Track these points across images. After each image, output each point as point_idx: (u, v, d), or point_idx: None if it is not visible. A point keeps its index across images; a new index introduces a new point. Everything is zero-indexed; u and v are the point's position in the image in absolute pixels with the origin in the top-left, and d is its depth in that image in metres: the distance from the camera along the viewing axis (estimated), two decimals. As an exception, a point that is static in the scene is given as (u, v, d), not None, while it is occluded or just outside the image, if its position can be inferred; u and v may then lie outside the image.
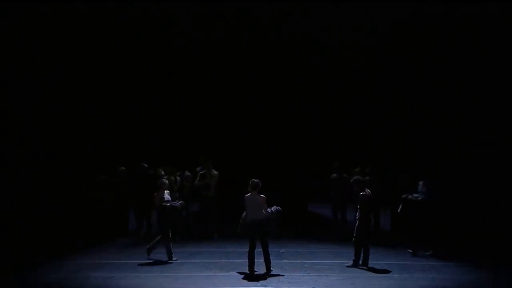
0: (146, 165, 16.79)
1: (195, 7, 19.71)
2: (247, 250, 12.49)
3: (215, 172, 16.37)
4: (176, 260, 13.31)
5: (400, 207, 14.19)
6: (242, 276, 12.22)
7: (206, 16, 20.07)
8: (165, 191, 13.53)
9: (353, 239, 13.02)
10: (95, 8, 19.02)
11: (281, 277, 12.12)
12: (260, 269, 12.49)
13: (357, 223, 12.97)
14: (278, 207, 12.65)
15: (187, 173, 16.94)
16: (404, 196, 13.85)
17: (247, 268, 12.44)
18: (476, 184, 17.25)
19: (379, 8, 19.09)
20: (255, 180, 12.55)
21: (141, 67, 20.78)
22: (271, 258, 12.55)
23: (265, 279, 11.94)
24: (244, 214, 12.64)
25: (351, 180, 13.31)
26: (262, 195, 12.52)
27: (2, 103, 17.60)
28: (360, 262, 12.97)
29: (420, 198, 13.72)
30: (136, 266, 13.06)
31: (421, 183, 13.91)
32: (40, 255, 13.92)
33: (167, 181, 13.73)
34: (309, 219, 20.15)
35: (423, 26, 19.22)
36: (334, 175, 16.81)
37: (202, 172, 16.42)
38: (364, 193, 12.84)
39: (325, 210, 21.82)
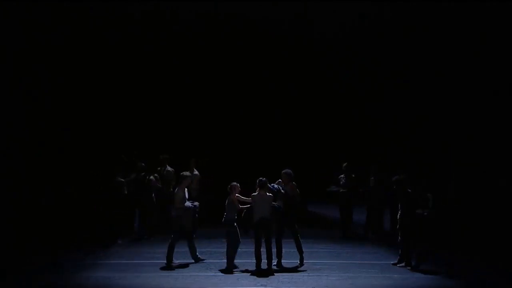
0: (143, 164, 16.84)
1: (195, 7, 19.74)
2: (250, 250, 12.50)
3: (196, 173, 16.40)
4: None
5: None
6: (242, 276, 12.22)
7: (206, 16, 20.09)
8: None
9: (399, 240, 12.99)
10: (95, 7, 19.05)
11: (281, 277, 12.12)
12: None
13: (399, 223, 12.87)
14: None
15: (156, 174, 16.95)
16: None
17: (255, 264, 12.48)
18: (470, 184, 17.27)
19: (379, 8, 19.10)
20: (263, 179, 12.58)
21: (140, 67, 20.81)
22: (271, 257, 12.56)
23: (265, 279, 11.93)
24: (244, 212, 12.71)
25: (392, 180, 13.18)
26: (270, 194, 12.56)
27: (2, 103, 17.60)
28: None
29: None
30: (136, 266, 13.06)
31: (277, 186, 13.69)
32: (40, 256, 13.92)
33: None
34: (309, 219, 20.13)
35: (423, 26, 19.22)
36: (342, 175, 16.83)
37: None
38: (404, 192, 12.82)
39: (325, 210, 21.86)
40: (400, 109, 20.61)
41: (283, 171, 13.19)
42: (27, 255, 13.92)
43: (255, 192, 12.60)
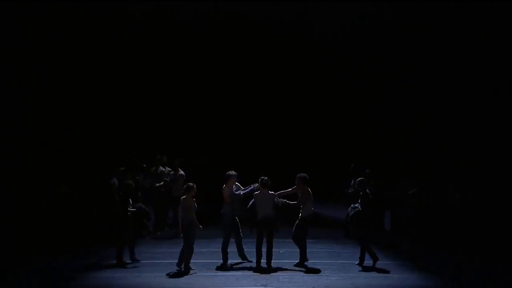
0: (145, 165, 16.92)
1: (195, 7, 19.76)
2: (250, 250, 12.51)
3: (181, 173, 16.47)
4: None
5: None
6: (242, 276, 12.23)
7: (206, 16, 20.10)
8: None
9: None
10: (95, 7, 19.06)
11: (281, 277, 12.12)
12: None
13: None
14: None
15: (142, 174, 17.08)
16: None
17: (256, 262, 12.61)
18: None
19: (379, 8, 19.10)
20: (265, 178, 12.61)
21: (140, 67, 20.82)
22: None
23: (265, 279, 11.93)
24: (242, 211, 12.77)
25: (409, 193, 13.17)
26: (272, 192, 12.60)
27: (2, 103, 17.61)
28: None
29: None
30: (136, 266, 13.06)
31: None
32: (40, 256, 13.93)
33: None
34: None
35: (423, 26, 19.22)
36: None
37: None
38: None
39: (325, 210, 21.86)
40: (400, 109, 20.61)
41: (298, 175, 13.12)
42: (27, 255, 13.92)
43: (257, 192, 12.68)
